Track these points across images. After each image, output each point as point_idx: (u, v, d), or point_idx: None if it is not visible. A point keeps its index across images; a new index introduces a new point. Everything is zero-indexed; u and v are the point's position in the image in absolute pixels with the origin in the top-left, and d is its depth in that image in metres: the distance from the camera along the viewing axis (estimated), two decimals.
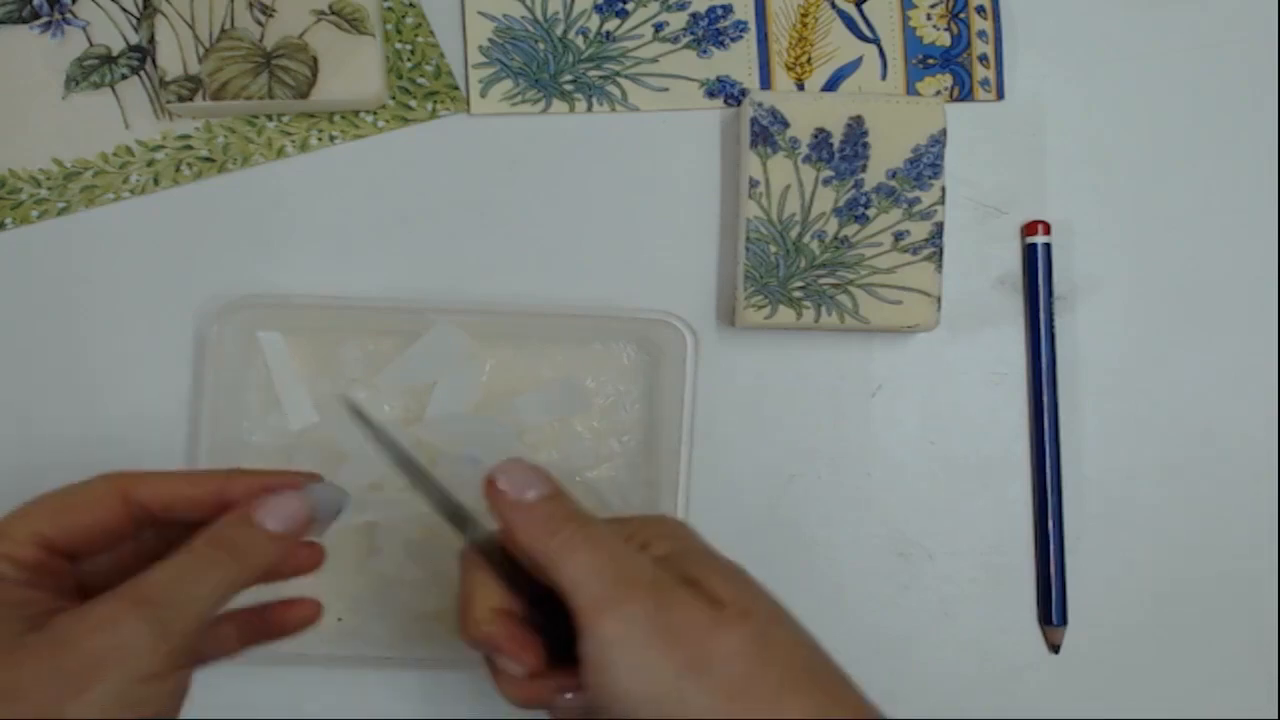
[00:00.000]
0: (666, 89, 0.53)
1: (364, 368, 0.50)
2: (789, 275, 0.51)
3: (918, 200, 0.51)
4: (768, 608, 0.38)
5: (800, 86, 0.53)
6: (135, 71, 0.51)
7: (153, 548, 0.39)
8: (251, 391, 0.50)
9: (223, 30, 0.49)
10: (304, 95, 0.49)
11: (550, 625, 0.37)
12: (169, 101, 0.49)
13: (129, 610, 0.34)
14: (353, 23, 0.50)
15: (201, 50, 0.49)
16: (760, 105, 0.51)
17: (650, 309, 0.50)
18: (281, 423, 0.50)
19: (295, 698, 0.51)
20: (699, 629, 0.35)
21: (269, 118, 0.51)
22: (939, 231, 0.51)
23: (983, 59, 0.54)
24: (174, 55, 0.49)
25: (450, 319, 0.49)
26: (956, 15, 0.54)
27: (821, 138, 0.51)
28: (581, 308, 0.51)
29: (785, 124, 0.51)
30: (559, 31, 0.53)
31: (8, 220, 0.50)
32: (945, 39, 0.54)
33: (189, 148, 0.51)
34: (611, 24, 0.53)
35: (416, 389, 0.50)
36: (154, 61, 0.51)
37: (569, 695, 0.38)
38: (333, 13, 0.50)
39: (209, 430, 0.48)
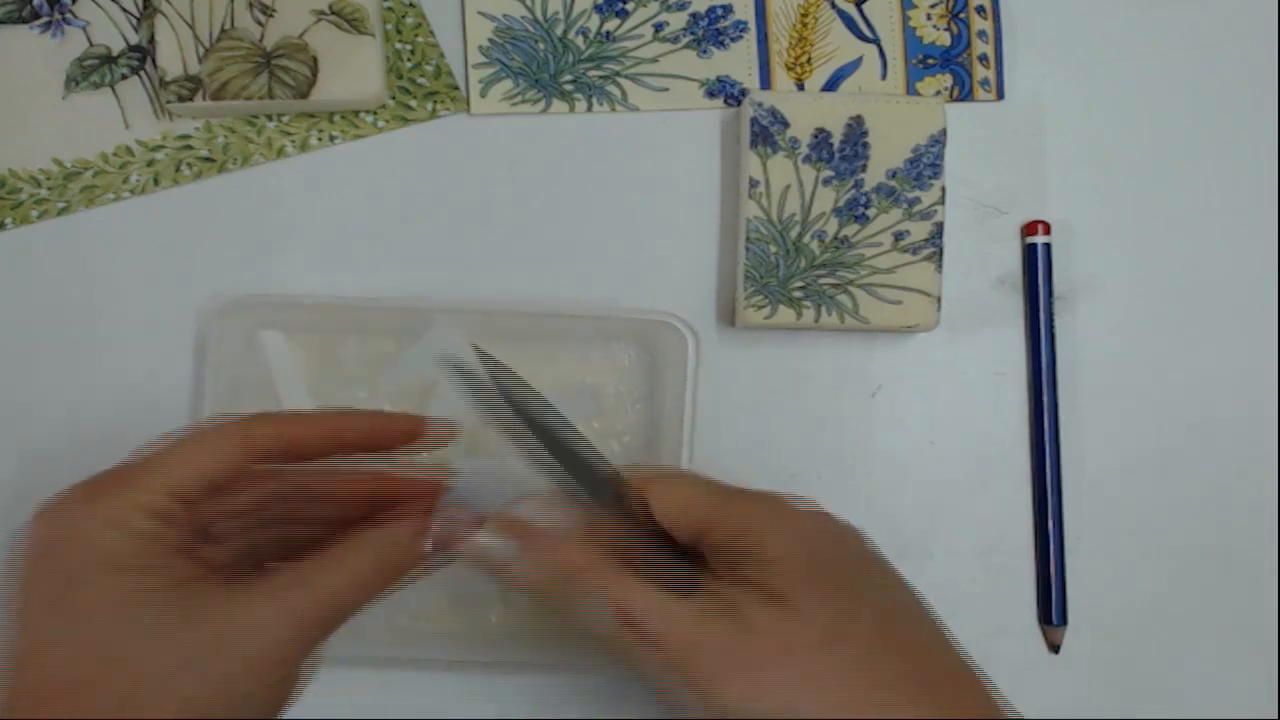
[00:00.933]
0: (666, 89, 0.53)
1: (365, 367, 0.50)
2: (789, 275, 0.51)
3: (918, 200, 0.51)
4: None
5: (800, 86, 0.53)
6: (135, 71, 0.51)
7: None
8: (252, 392, 0.50)
9: (223, 30, 0.49)
10: (304, 95, 0.49)
11: None
12: (169, 101, 0.49)
13: (293, 622, 0.34)
14: (353, 23, 0.50)
15: (201, 50, 0.49)
16: (760, 105, 0.51)
17: (651, 309, 0.50)
18: None
19: (302, 702, 0.50)
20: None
21: (269, 118, 0.51)
22: (939, 231, 0.51)
23: (983, 59, 0.54)
24: (174, 55, 0.49)
25: (450, 319, 0.49)
26: (956, 15, 0.54)
27: (821, 138, 0.51)
28: (582, 308, 0.51)
29: (785, 124, 0.51)
30: (559, 31, 0.53)
31: (8, 220, 0.50)
32: (945, 39, 0.54)
33: (189, 148, 0.51)
34: (611, 24, 0.53)
35: (417, 390, 0.50)
36: (154, 61, 0.51)
37: None
38: (333, 13, 0.50)
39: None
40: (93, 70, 0.51)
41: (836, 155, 0.51)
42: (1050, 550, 0.52)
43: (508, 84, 0.52)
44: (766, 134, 0.51)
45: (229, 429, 0.37)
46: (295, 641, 0.34)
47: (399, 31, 0.52)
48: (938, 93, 0.54)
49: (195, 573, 0.34)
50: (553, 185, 0.52)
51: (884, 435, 0.53)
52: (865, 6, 0.54)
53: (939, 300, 0.51)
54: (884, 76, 0.54)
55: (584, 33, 0.53)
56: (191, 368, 0.50)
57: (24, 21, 0.51)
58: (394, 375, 0.50)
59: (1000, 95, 0.54)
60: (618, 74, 0.53)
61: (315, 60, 0.50)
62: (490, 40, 0.52)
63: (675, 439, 0.49)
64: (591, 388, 0.51)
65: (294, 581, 0.35)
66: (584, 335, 0.51)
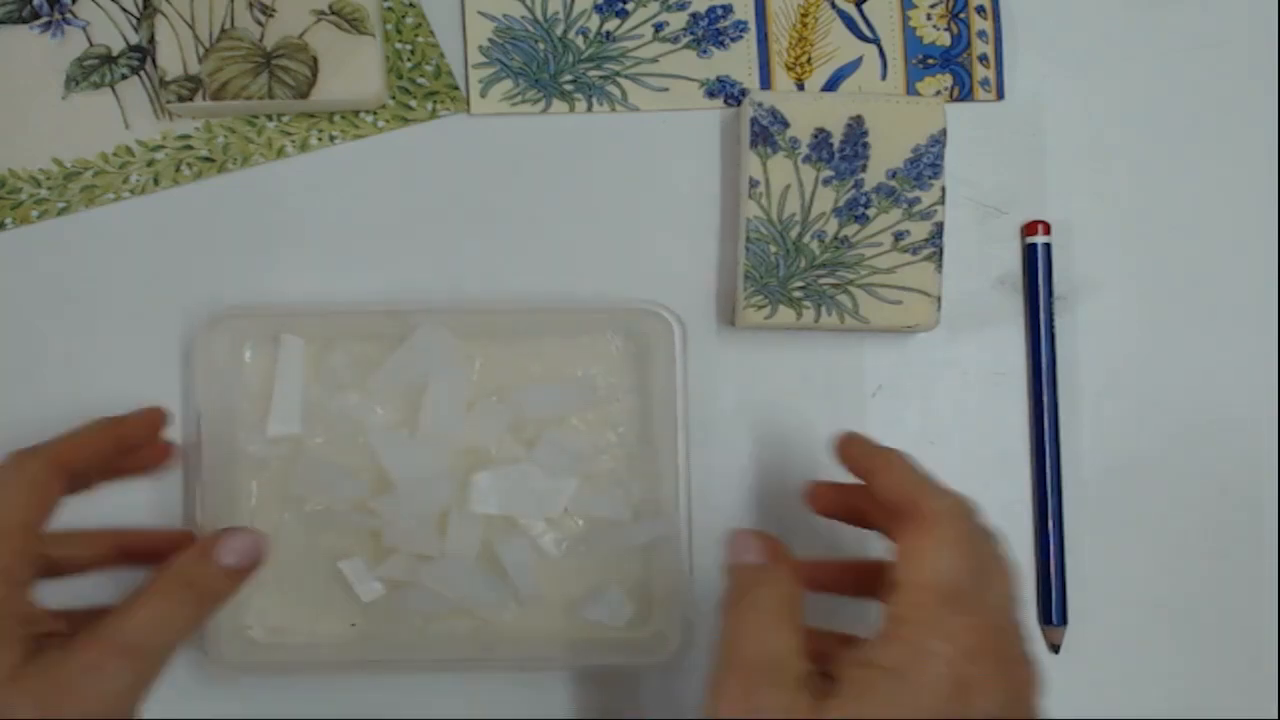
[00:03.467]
0: (666, 89, 0.53)
1: (354, 373, 0.50)
2: (789, 275, 0.51)
3: (918, 200, 0.51)
4: None
5: (800, 86, 0.53)
6: (135, 71, 0.51)
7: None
8: (242, 402, 0.50)
9: (223, 30, 0.49)
10: (304, 95, 0.49)
11: None
12: (169, 101, 0.49)
13: (114, 658, 0.37)
14: (353, 23, 0.50)
15: (201, 50, 0.49)
16: (760, 105, 0.51)
17: (636, 299, 0.50)
18: (281, 431, 0.50)
19: (311, 706, 0.51)
20: None
21: (269, 118, 0.51)
22: (939, 231, 0.51)
23: (983, 59, 0.54)
24: (174, 55, 0.49)
25: (435, 319, 0.49)
26: (956, 15, 0.54)
27: (821, 138, 0.51)
28: (565, 301, 0.51)
29: (785, 124, 0.51)
30: (559, 31, 0.53)
31: (8, 220, 0.50)
32: (945, 39, 0.54)
33: (189, 148, 0.51)
34: (611, 24, 0.53)
35: (408, 391, 0.50)
36: (154, 61, 0.51)
37: None
38: (333, 13, 0.50)
39: (210, 446, 0.48)
40: (93, 70, 0.51)
41: (836, 155, 0.51)
42: (1050, 550, 0.52)
43: (508, 84, 0.52)
44: (766, 134, 0.51)
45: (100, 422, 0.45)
46: (127, 673, 0.37)
47: (399, 31, 0.52)
48: (938, 93, 0.54)
49: (39, 627, 0.38)
50: (553, 185, 0.52)
51: (884, 435, 0.53)
52: (865, 6, 0.54)
53: (939, 300, 0.51)
54: (884, 76, 0.54)
55: (584, 33, 0.53)
56: (180, 377, 0.50)
57: (24, 21, 0.51)
58: (384, 379, 0.50)
59: (1000, 95, 0.54)
60: (618, 74, 0.53)
61: (315, 60, 0.50)
62: (490, 40, 0.52)
63: (670, 428, 0.49)
64: (582, 380, 0.51)
65: (111, 621, 0.38)
66: (570, 328, 0.51)
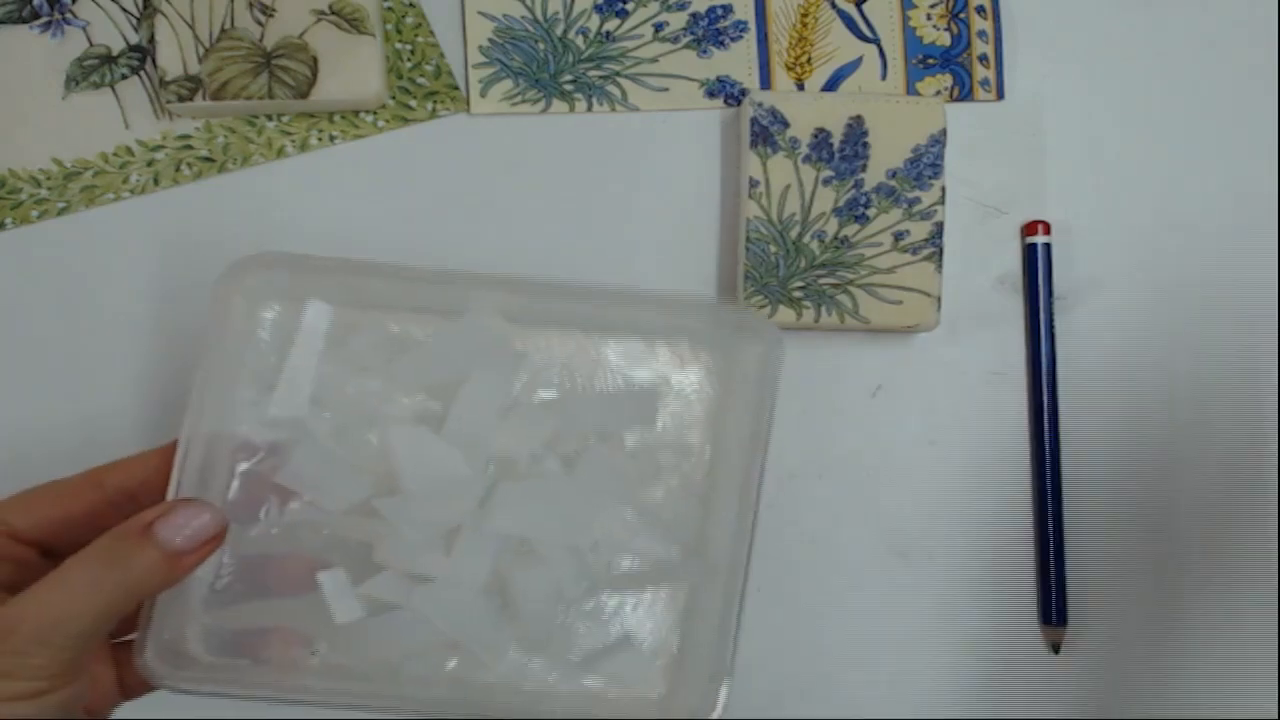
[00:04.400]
0: (666, 89, 0.53)
1: (380, 355, 0.43)
2: (789, 275, 0.51)
3: (918, 200, 0.51)
4: None
5: (800, 86, 0.53)
6: (135, 71, 0.51)
7: None
8: (249, 369, 0.43)
9: (223, 30, 0.49)
10: (304, 95, 0.49)
11: None
12: (169, 101, 0.49)
13: (14, 656, 0.33)
14: (353, 23, 0.50)
15: (201, 50, 0.49)
16: (760, 105, 0.51)
17: (731, 305, 0.45)
18: (283, 412, 0.42)
19: None
20: None
21: (269, 118, 0.51)
22: (939, 231, 0.51)
23: (983, 59, 0.54)
24: (174, 55, 0.49)
25: (490, 296, 0.42)
26: (956, 15, 0.54)
27: (821, 138, 0.51)
28: (649, 293, 0.45)
29: (785, 124, 0.51)
30: (559, 31, 0.53)
31: (8, 220, 0.50)
32: (945, 39, 0.54)
33: (189, 148, 0.51)
34: (611, 24, 0.53)
35: (440, 384, 0.43)
36: (154, 61, 0.51)
37: None
38: (333, 13, 0.50)
39: (195, 416, 0.40)
40: (93, 70, 0.51)
41: (836, 155, 0.51)
42: (1050, 550, 0.52)
43: (508, 84, 0.52)
44: (766, 134, 0.51)
45: (88, 473, 0.39)
46: (36, 670, 0.33)
47: (399, 31, 0.52)
48: (938, 93, 0.54)
49: None
50: (553, 185, 0.52)
51: (884, 435, 0.53)
52: (865, 6, 0.54)
53: (939, 300, 0.51)
54: (884, 76, 0.54)
55: (584, 33, 0.53)
56: (185, 371, 0.50)
57: (24, 21, 0.51)
58: (413, 365, 0.43)
59: (1000, 95, 0.54)
60: (618, 74, 0.53)
61: (315, 60, 0.50)
62: (490, 40, 0.52)
63: (743, 463, 0.41)
64: (645, 391, 0.44)
65: (18, 608, 0.34)
66: (639, 331, 0.44)
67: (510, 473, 0.42)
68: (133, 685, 0.40)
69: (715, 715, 0.40)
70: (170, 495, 0.39)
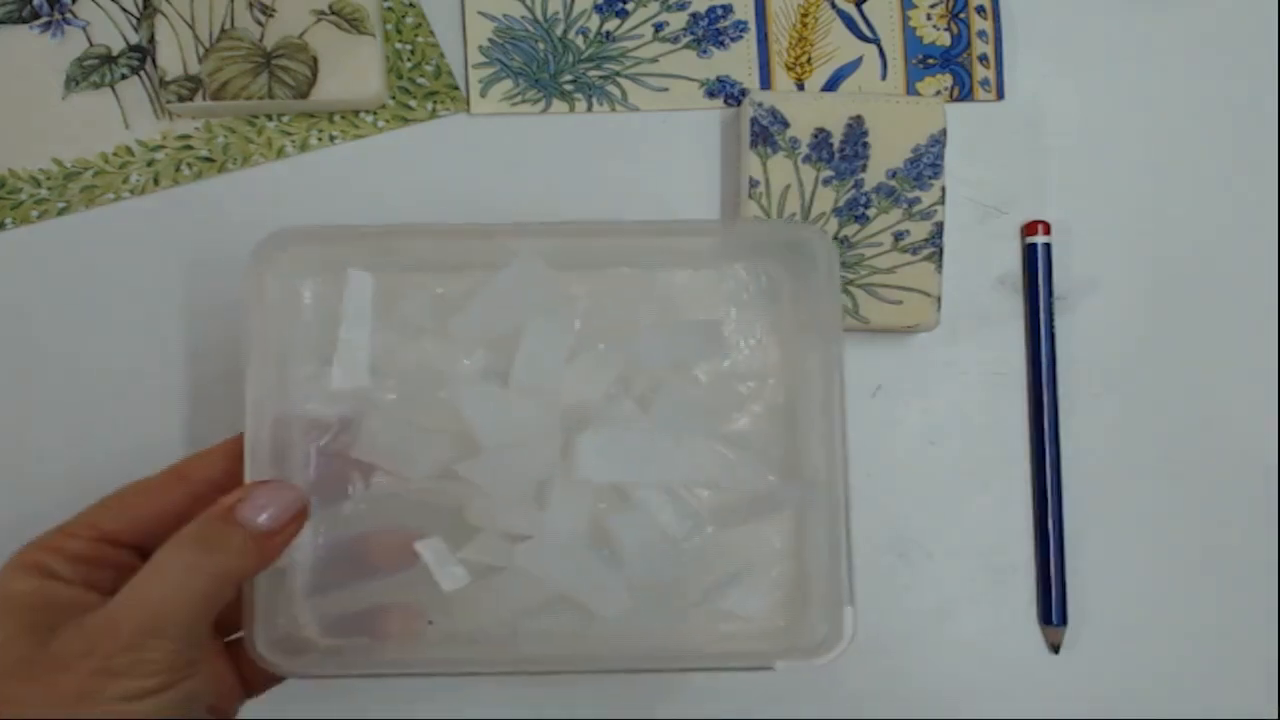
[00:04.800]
0: (666, 89, 0.53)
1: (433, 315, 0.42)
2: None
3: (918, 200, 0.51)
4: None
5: (800, 86, 0.53)
6: (135, 71, 0.51)
7: None
8: (300, 348, 0.42)
9: (223, 30, 0.50)
10: (304, 95, 0.50)
11: None
12: (169, 101, 0.49)
13: (124, 653, 0.33)
14: (353, 23, 0.50)
15: (201, 50, 0.49)
16: (760, 105, 0.51)
17: (780, 221, 0.43)
18: (345, 384, 0.41)
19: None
20: None
21: (269, 118, 0.51)
22: (939, 231, 0.51)
23: (983, 59, 0.54)
24: (174, 55, 0.49)
25: (532, 245, 0.41)
26: (956, 15, 0.54)
27: (821, 138, 0.51)
28: (696, 222, 0.43)
29: (785, 124, 0.51)
30: (559, 31, 0.53)
31: (8, 220, 0.50)
32: (945, 39, 0.54)
33: (189, 148, 0.51)
34: (611, 24, 0.53)
35: (499, 338, 0.42)
36: (154, 61, 0.51)
37: None
38: (333, 13, 0.50)
39: (256, 401, 0.39)
40: (93, 70, 0.51)
41: (836, 155, 0.51)
42: (1050, 550, 0.52)
43: (508, 84, 0.52)
44: (766, 134, 0.51)
45: (173, 469, 0.39)
46: (157, 639, 0.33)
47: (399, 31, 0.52)
48: (938, 93, 0.54)
49: (91, 601, 0.35)
50: (553, 185, 0.52)
51: (884, 435, 0.53)
52: (865, 6, 0.54)
53: (939, 300, 0.51)
54: (884, 76, 0.54)
55: (584, 33, 0.53)
56: (187, 369, 0.50)
57: (24, 21, 0.51)
58: (469, 322, 0.42)
59: (1000, 95, 0.54)
60: (618, 74, 0.53)
61: (315, 60, 0.50)
62: (490, 40, 0.52)
63: (825, 373, 0.40)
64: (707, 322, 0.43)
65: (123, 602, 0.34)
66: (688, 259, 0.43)
67: (587, 419, 0.41)
68: (255, 680, 0.40)
69: (844, 644, 0.39)
70: (247, 480, 0.39)
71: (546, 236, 0.42)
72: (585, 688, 0.47)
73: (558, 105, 0.53)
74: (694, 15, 0.53)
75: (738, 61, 0.53)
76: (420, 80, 0.52)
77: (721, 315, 0.43)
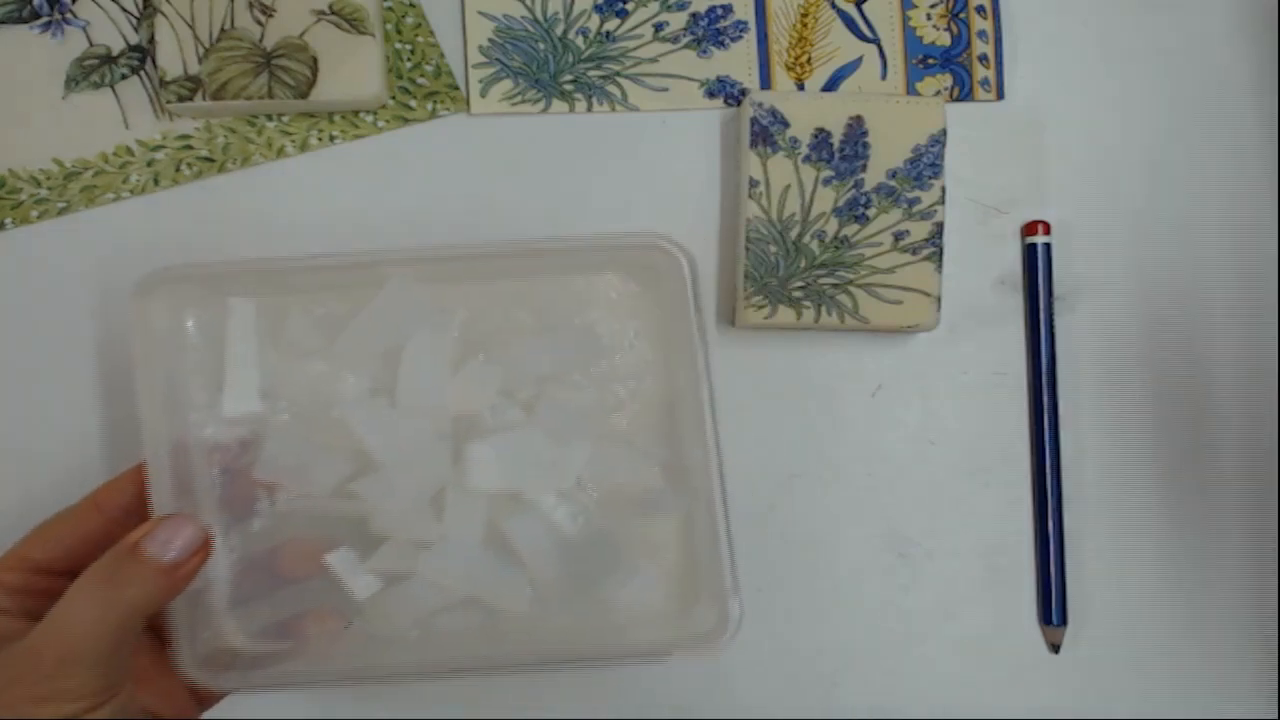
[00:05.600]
0: (666, 89, 0.53)
1: (317, 338, 0.44)
2: (789, 275, 0.51)
3: (918, 200, 0.51)
4: None
5: (800, 86, 0.53)
6: (135, 71, 0.51)
7: None
8: (190, 378, 0.43)
9: (223, 30, 0.49)
10: (304, 95, 0.49)
11: None
12: (169, 101, 0.49)
13: (47, 681, 0.35)
14: (353, 23, 0.50)
15: (201, 50, 0.49)
16: (760, 105, 0.51)
17: (632, 233, 0.45)
18: (237, 409, 0.43)
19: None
20: None
21: (269, 118, 0.51)
22: (939, 231, 0.51)
23: (983, 59, 0.54)
24: (174, 55, 0.49)
25: (405, 268, 0.43)
26: (956, 15, 0.54)
27: (821, 138, 0.51)
28: (551, 240, 0.45)
29: (785, 124, 0.51)
30: (559, 31, 0.53)
31: (8, 220, 0.50)
32: (945, 39, 0.54)
33: (189, 148, 0.51)
34: (611, 24, 0.53)
35: (382, 354, 0.44)
36: (154, 61, 0.51)
37: None
38: (333, 13, 0.50)
39: (152, 432, 0.41)
40: (93, 70, 0.51)
41: (836, 155, 0.51)
42: (1050, 550, 0.52)
43: (508, 84, 0.52)
44: (766, 134, 0.51)
45: (89, 496, 0.41)
46: (75, 668, 0.35)
47: (399, 31, 0.52)
48: (938, 93, 0.54)
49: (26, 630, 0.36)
50: (553, 185, 0.52)
51: (884, 435, 0.53)
52: (865, 6, 0.54)
53: (939, 300, 0.51)
54: (884, 76, 0.54)
55: (584, 33, 0.53)
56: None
57: (24, 21, 0.51)
58: (351, 341, 0.44)
59: (1000, 95, 0.54)
60: (618, 74, 0.53)
61: (315, 60, 0.50)
62: (490, 40, 0.52)
63: (690, 378, 0.42)
64: (581, 328, 0.45)
65: (50, 621, 0.36)
66: (561, 268, 0.45)
67: (476, 428, 0.43)
68: (205, 693, 0.42)
69: (731, 632, 0.42)
70: (153, 509, 0.40)
71: (421, 263, 0.44)
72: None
73: (558, 105, 0.53)
74: (694, 15, 0.53)
75: (738, 61, 0.53)
76: (420, 80, 0.52)
77: (595, 320, 0.45)
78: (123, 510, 0.41)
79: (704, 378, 0.42)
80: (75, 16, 0.51)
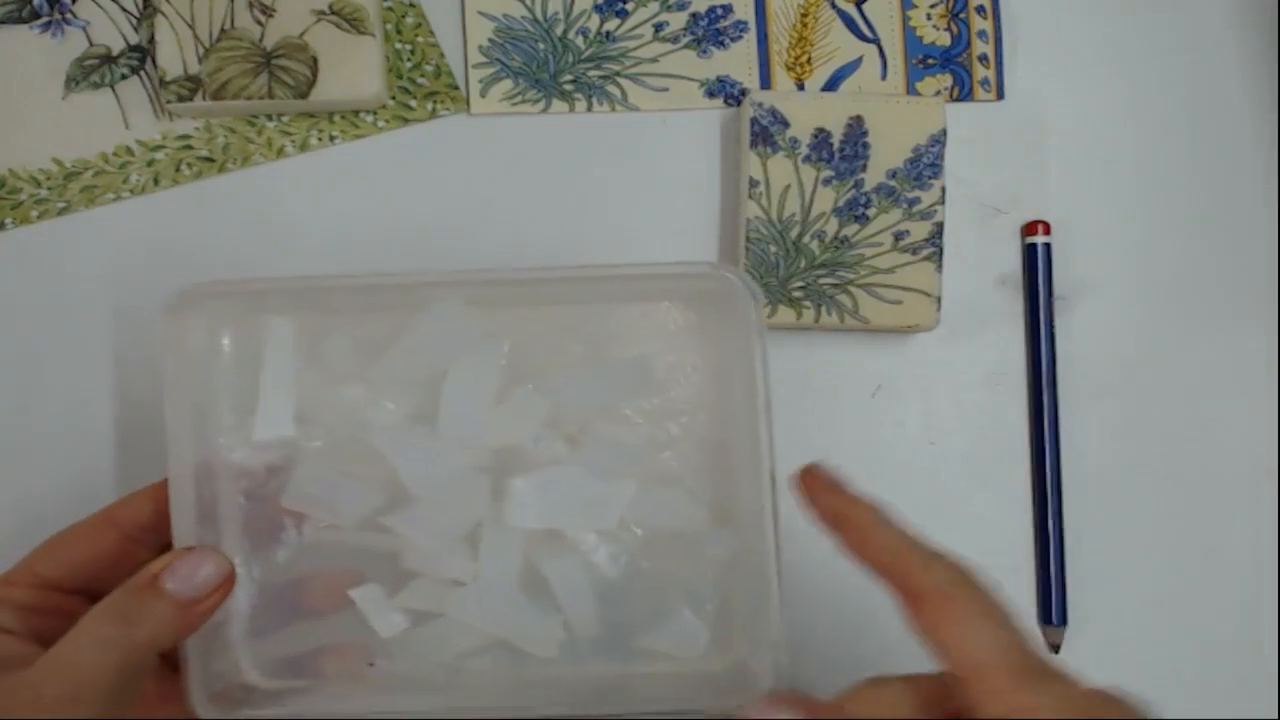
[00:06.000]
0: (666, 89, 0.53)
1: (355, 361, 0.42)
2: (789, 275, 0.51)
3: (918, 200, 0.51)
4: None
5: (800, 86, 0.53)
6: (135, 71, 0.51)
7: None
8: (221, 399, 0.41)
9: (223, 30, 0.49)
10: (304, 95, 0.49)
11: None
12: (169, 101, 0.49)
13: (31, 703, 0.34)
14: (353, 23, 0.50)
15: (201, 50, 0.49)
16: (760, 105, 0.51)
17: (696, 261, 0.42)
18: (269, 434, 0.41)
19: None
20: None
21: (269, 118, 0.51)
22: (939, 231, 0.51)
23: (983, 59, 0.54)
24: (174, 55, 0.49)
25: (452, 292, 0.41)
26: (956, 15, 0.54)
27: (821, 138, 0.51)
28: (609, 266, 0.43)
29: (785, 124, 0.51)
30: (559, 31, 0.53)
31: (8, 220, 0.50)
32: (945, 39, 0.54)
33: (189, 148, 0.51)
34: (611, 24, 0.53)
35: (424, 381, 0.41)
36: (154, 61, 0.51)
37: None
38: (333, 13, 0.50)
39: (179, 454, 0.39)
40: (93, 70, 0.51)
41: (836, 155, 0.51)
42: (1050, 550, 0.52)
43: (508, 84, 0.52)
44: (766, 134, 0.51)
45: (102, 511, 0.39)
46: (78, 706, 0.34)
47: (399, 31, 0.52)
48: (938, 93, 0.54)
49: (29, 655, 0.35)
50: (553, 185, 0.52)
51: (884, 435, 0.53)
52: (865, 6, 0.54)
53: (939, 300, 0.51)
54: (884, 76, 0.54)
55: (584, 33, 0.53)
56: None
57: (24, 21, 0.51)
58: (391, 366, 0.42)
59: (1000, 95, 0.54)
60: (618, 74, 0.53)
61: (315, 60, 0.50)
62: (490, 40, 0.52)
63: (749, 412, 0.39)
64: (635, 361, 0.42)
65: (54, 656, 0.35)
66: (615, 298, 0.43)
67: (517, 462, 0.41)
68: None
69: (772, 686, 0.39)
70: (175, 536, 0.39)
71: (468, 286, 0.42)
72: None
73: (558, 105, 0.53)
74: (694, 15, 0.53)
75: (738, 61, 0.53)
76: (420, 80, 0.52)
77: (650, 351, 0.42)
78: (139, 528, 0.39)
79: (763, 416, 0.39)
80: (75, 16, 0.51)
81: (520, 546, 0.41)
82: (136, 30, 0.51)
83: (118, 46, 0.51)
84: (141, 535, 0.39)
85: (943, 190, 0.51)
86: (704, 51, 0.53)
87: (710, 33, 0.53)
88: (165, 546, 0.39)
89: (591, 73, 0.53)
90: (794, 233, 0.51)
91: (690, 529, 0.42)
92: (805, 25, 0.54)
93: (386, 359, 0.42)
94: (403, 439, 0.41)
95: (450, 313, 0.41)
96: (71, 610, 0.37)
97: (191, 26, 0.50)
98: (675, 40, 0.53)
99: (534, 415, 0.42)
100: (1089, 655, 0.53)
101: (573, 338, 0.43)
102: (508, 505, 0.41)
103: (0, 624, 0.37)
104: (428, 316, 0.41)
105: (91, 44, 0.51)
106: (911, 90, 0.54)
